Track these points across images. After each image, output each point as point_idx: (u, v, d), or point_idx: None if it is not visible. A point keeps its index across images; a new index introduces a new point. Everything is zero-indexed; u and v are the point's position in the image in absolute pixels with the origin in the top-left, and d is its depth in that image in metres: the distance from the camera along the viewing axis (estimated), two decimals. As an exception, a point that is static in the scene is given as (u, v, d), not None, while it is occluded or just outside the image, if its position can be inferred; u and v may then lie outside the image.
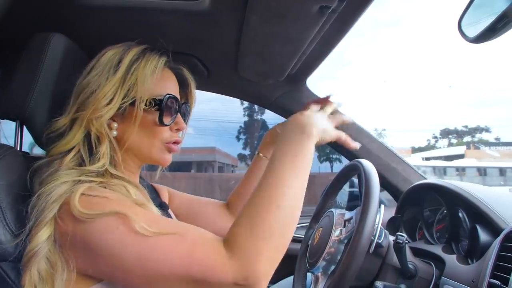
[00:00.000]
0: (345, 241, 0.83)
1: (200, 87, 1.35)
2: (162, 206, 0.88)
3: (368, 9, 0.84)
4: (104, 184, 0.65)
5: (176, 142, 0.79)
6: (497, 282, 0.68)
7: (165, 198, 0.98)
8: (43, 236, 0.59)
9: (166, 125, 0.76)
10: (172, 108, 0.76)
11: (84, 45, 0.88)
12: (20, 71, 0.79)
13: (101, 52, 0.75)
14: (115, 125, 0.73)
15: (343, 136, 0.83)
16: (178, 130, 0.79)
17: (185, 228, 0.61)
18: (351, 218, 0.86)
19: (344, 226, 0.87)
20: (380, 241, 0.85)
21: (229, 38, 1.01)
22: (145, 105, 0.73)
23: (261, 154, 1.03)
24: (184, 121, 0.81)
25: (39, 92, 0.77)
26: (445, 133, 35.31)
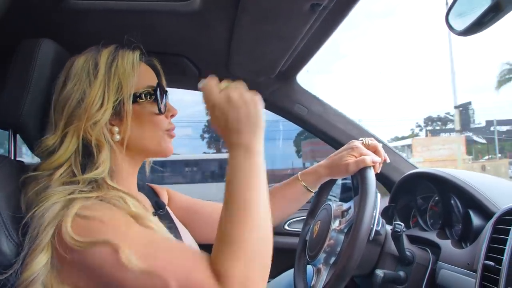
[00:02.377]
0: (345, 231, 0.85)
1: (191, 87, 1.35)
2: (159, 205, 0.88)
3: (358, 3, 0.85)
4: (100, 198, 0.64)
5: (172, 129, 0.80)
6: (491, 263, 0.71)
7: (164, 198, 0.98)
8: (40, 262, 0.58)
9: (163, 113, 0.77)
10: (162, 96, 0.77)
11: (73, 50, 0.87)
12: (11, 79, 0.77)
13: (67, 63, 0.75)
14: (116, 129, 0.73)
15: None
16: (172, 116, 0.81)
17: (178, 256, 0.59)
18: (349, 208, 0.88)
19: (343, 217, 0.89)
20: (379, 228, 0.87)
21: (220, 37, 1.01)
22: (140, 98, 0.74)
23: (300, 178, 1.01)
24: None
25: (31, 100, 0.76)
26: (430, 121, 35.99)
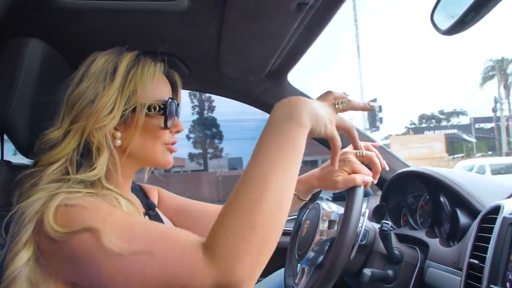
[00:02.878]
0: (328, 244, 0.85)
1: (181, 86, 1.35)
2: (149, 206, 0.88)
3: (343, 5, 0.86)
4: (92, 194, 0.63)
5: (173, 143, 0.79)
6: (475, 261, 0.72)
7: (154, 198, 0.97)
8: (22, 259, 0.57)
9: (169, 128, 0.76)
10: (173, 111, 0.76)
11: (62, 50, 0.87)
12: None
13: (89, 58, 0.74)
14: (118, 134, 0.72)
15: (352, 131, 0.74)
16: (177, 132, 0.80)
17: (163, 235, 0.58)
18: (335, 221, 0.87)
19: (329, 227, 0.88)
20: (363, 242, 0.88)
21: (209, 36, 1.01)
22: (149, 110, 0.73)
23: None
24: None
25: (19, 100, 0.75)
26: (423, 119, 36.04)
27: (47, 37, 0.83)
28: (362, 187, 0.81)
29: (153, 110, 0.73)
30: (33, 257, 0.58)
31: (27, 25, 0.93)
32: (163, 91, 0.77)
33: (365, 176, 0.82)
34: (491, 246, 0.69)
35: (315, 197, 1.06)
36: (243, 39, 0.99)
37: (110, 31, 0.99)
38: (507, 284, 0.65)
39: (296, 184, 0.94)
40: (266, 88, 1.33)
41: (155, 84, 0.75)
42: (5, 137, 0.84)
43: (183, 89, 1.36)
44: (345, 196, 0.91)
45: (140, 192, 0.94)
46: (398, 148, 19.05)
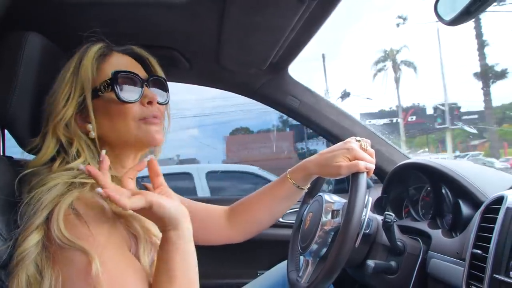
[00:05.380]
0: (332, 234, 0.86)
1: (182, 80, 1.34)
2: None
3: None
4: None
5: (154, 116, 0.75)
6: (479, 251, 0.72)
7: None
8: (32, 240, 0.60)
9: (131, 102, 0.73)
10: (129, 83, 0.74)
11: (61, 44, 0.86)
12: None
13: None
14: (89, 126, 0.72)
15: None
16: (150, 103, 0.75)
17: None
18: (339, 210, 0.88)
19: (332, 217, 0.88)
20: (367, 231, 0.89)
21: (210, 29, 1.01)
22: (100, 92, 0.72)
23: (288, 176, 0.97)
24: (165, 92, 0.80)
25: (19, 95, 0.75)
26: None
27: (45, 30, 0.82)
28: (365, 174, 0.82)
29: (103, 90, 0.72)
30: (42, 241, 0.60)
31: (25, 19, 0.92)
32: (115, 69, 0.73)
33: (368, 163, 0.83)
34: (494, 236, 0.69)
35: (317, 190, 1.06)
36: (244, 32, 0.98)
37: (109, 24, 0.96)
38: (511, 273, 0.65)
39: (292, 173, 0.97)
40: (267, 81, 1.32)
41: (105, 65, 0.74)
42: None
43: (183, 82, 1.36)
44: (346, 188, 0.92)
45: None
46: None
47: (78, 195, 0.62)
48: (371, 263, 0.86)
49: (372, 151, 0.88)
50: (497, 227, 0.70)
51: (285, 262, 1.05)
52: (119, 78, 0.72)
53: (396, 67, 24.20)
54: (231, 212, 1.05)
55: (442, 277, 0.83)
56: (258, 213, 1.02)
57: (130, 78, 0.74)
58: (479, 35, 17.42)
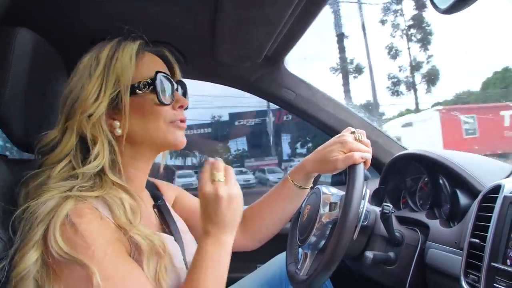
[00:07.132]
0: (330, 226, 0.86)
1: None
2: (155, 196, 0.88)
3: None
4: (99, 199, 0.64)
5: (181, 120, 0.77)
6: (476, 240, 0.72)
7: (166, 193, 0.96)
8: (31, 258, 0.58)
9: (167, 104, 0.74)
10: (167, 85, 0.74)
11: (52, 39, 0.84)
12: None
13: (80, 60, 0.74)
14: (116, 123, 0.71)
15: None
16: (181, 107, 0.77)
17: None
18: (336, 202, 0.88)
19: (330, 210, 0.88)
20: (365, 223, 0.89)
21: (204, 23, 1.00)
22: (139, 90, 0.71)
23: (289, 178, 0.98)
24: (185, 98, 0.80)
25: (11, 92, 0.74)
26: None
27: (36, 26, 0.80)
28: (362, 165, 0.82)
29: (142, 88, 0.72)
30: (41, 258, 0.59)
31: (14, 15, 0.90)
32: (151, 68, 0.74)
33: (363, 153, 0.83)
34: (492, 224, 0.69)
35: (314, 183, 1.06)
36: (238, 25, 0.97)
37: (101, 20, 0.96)
38: (508, 261, 0.66)
39: (292, 174, 0.97)
40: (262, 74, 1.32)
41: (140, 63, 0.73)
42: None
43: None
44: (343, 181, 0.91)
45: (152, 186, 0.93)
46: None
47: (73, 206, 0.61)
48: (369, 254, 0.86)
49: (368, 141, 0.88)
50: (494, 216, 0.70)
51: (284, 254, 1.05)
52: (159, 78, 0.73)
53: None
54: (243, 217, 1.05)
55: (440, 267, 0.83)
56: (266, 218, 1.02)
57: (168, 81, 0.75)
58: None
